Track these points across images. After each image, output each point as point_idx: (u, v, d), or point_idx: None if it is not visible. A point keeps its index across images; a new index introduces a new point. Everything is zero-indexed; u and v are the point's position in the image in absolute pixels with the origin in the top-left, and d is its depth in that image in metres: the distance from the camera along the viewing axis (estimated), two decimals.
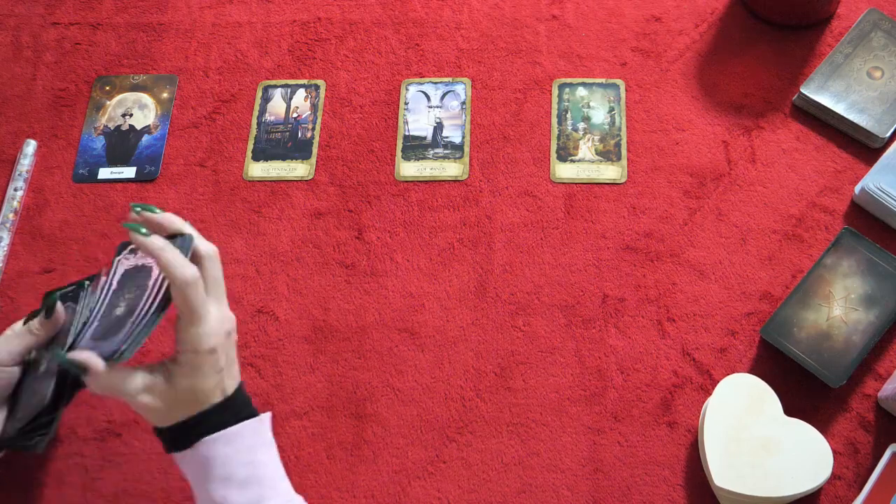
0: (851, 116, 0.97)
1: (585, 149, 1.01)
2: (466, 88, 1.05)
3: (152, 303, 0.69)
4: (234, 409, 0.72)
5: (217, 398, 0.71)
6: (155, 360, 0.93)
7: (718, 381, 0.86)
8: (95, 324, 0.71)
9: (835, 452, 0.84)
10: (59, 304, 0.74)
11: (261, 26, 1.11)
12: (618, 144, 1.01)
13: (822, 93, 0.99)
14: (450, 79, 1.06)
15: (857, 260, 0.89)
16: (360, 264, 0.96)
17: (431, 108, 1.05)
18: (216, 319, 0.70)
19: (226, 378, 0.71)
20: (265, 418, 0.73)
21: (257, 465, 0.71)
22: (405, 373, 0.91)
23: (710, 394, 0.88)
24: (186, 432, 0.70)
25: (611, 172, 0.99)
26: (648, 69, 1.05)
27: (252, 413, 0.73)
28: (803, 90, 0.99)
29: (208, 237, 0.99)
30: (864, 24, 1.03)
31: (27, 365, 0.77)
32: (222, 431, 0.69)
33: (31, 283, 0.97)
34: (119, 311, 0.70)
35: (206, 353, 0.69)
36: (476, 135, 1.03)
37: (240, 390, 0.73)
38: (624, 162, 1.00)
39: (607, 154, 1.00)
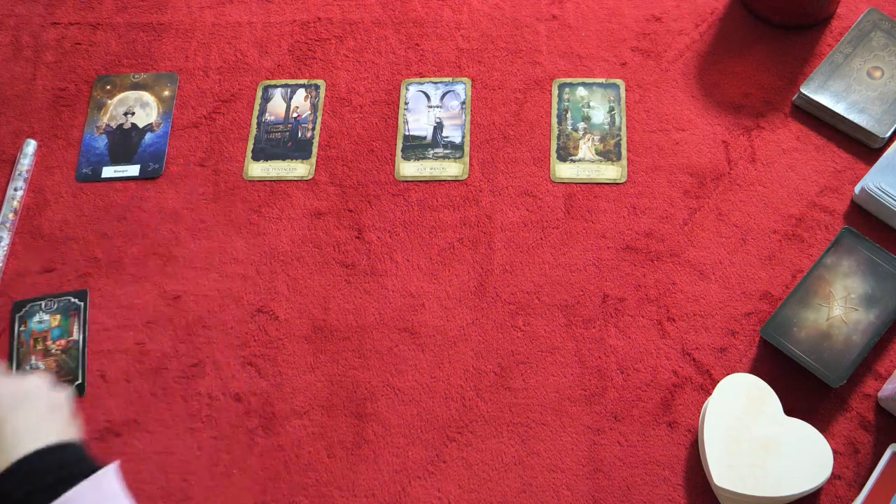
0: (851, 116, 0.97)
1: (585, 149, 1.01)
2: (466, 88, 1.05)
3: None
4: (60, 460, 0.67)
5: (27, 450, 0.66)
6: (155, 358, 0.93)
7: (718, 381, 0.86)
8: None
9: (835, 452, 0.84)
10: None
11: (261, 26, 1.11)
12: (618, 144, 1.01)
13: (822, 93, 0.99)
14: (450, 79, 1.06)
15: (857, 260, 0.89)
16: (360, 264, 0.96)
17: (431, 108, 1.05)
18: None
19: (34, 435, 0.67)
20: (105, 472, 0.67)
21: None
22: (405, 372, 0.91)
23: (710, 394, 0.88)
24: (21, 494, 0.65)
25: (611, 172, 0.99)
26: (648, 69, 1.05)
27: (87, 472, 0.66)
28: (803, 90, 0.99)
29: (208, 237, 0.99)
30: (863, 24, 1.03)
31: None
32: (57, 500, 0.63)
33: (31, 283, 0.97)
34: None
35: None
36: (476, 135, 1.03)
37: (68, 447, 0.68)
38: (624, 162, 1.00)
39: (607, 154, 1.00)
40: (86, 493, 0.65)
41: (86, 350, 0.91)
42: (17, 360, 0.91)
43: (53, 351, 0.91)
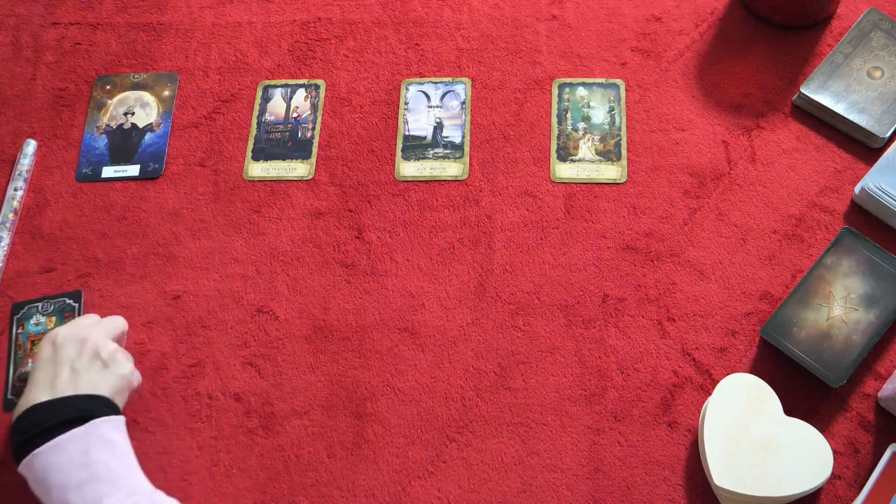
0: (851, 116, 0.97)
1: (585, 149, 1.01)
2: (466, 88, 1.05)
3: None
4: (62, 411, 0.76)
5: (43, 395, 0.77)
6: (155, 358, 0.93)
7: (718, 381, 0.86)
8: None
9: (835, 452, 0.84)
10: None
11: (261, 26, 1.11)
12: (618, 144, 1.01)
13: (822, 93, 0.99)
14: (450, 79, 1.06)
15: (857, 260, 0.89)
16: (360, 264, 0.96)
17: (431, 107, 1.05)
18: (70, 324, 0.83)
19: (60, 379, 0.78)
20: (97, 422, 0.76)
21: (93, 466, 0.74)
22: (405, 372, 0.91)
23: (710, 394, 0.88)
24: (24, 432, 0.75)
25: (611, 172, 0.99)
26: (648, 69, 1.05)
27: (88, 418, 0.76)
28: (803, 90, 0.99)
29: (208, 237, 0.99)
30: (863, 24, 1.03)
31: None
32: (51, 442, 0.74)
33: (31, 283, 0.97)
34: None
35: (43, 341, 0.81)
36: (476, 135, 1.03)
37: (85, 398, 0.78)
38: (624, 162, 1.00)
39: (607, 154, 1.00)
40: (77, 437, 0.75)
41: None
42: (15, 363, 0.91)
43: None
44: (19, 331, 0.93)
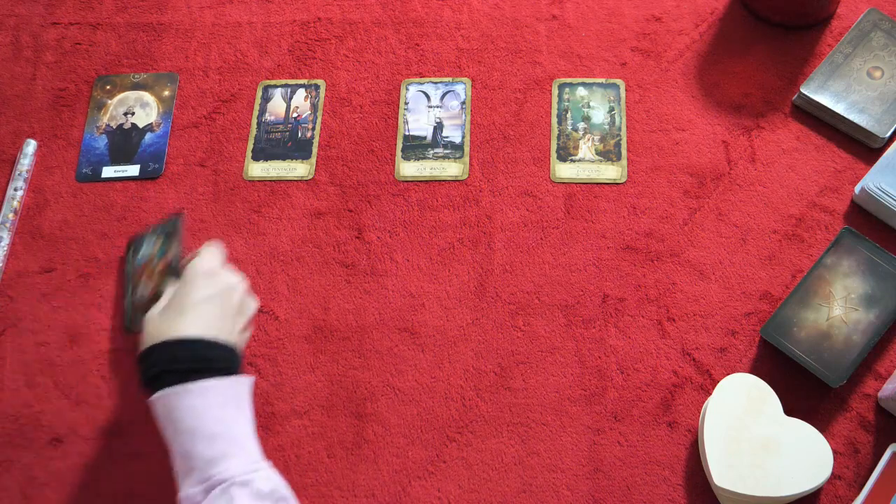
0: (851, 116, 0.97)
1: (585, 149, 1.01)
2: (466, 88, 1.05)
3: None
4: (217, 356, 0.75)
5: (197, 329, 0.75)
6: None
7: (718, 381, 0.86)
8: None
9: (835, 452, 0.84)
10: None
11: (261, 26, 1.11)
12: (618, 144, 1.01)
13: (822, 93, 0.99)
14: (450, 79, 1.06)
15: (857, 260, 0.89)
16: (360, 264, 0.96)
17: (431, 107, 1.05)
18: (225, 266, 0.82)
19: (215, 320, 0.77)
20: (244, 381, 0.76)
21: (227, 422, 0.73)
22: (405, 372, 0.91)
23: (710, 394, 0.88)
24: (166, 364, 0.73)
25: (611, 172, 0.99)
26: (648, 69, 1.05)
27: (230, 373, 0.75)
28: (803, 90, 0.99)
29: (208, 237, 1.00)
30: (863, 24, 1.03)
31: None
32: (198, 384, 0.72)
33: (31, 283, 0.97)
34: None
35: (198, 272, 0.79)
36: (476, 135, 1.03)
37: (232, 350, 0.77)
38: (624, 162, 1.00)
39: (607, 154, 1.00)
40: (223, 389, 0.73)
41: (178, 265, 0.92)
42: (132, 287, 0.93)
43: (156, 272, 0.93)
44: (134, 258, 0.95)
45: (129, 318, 0.92)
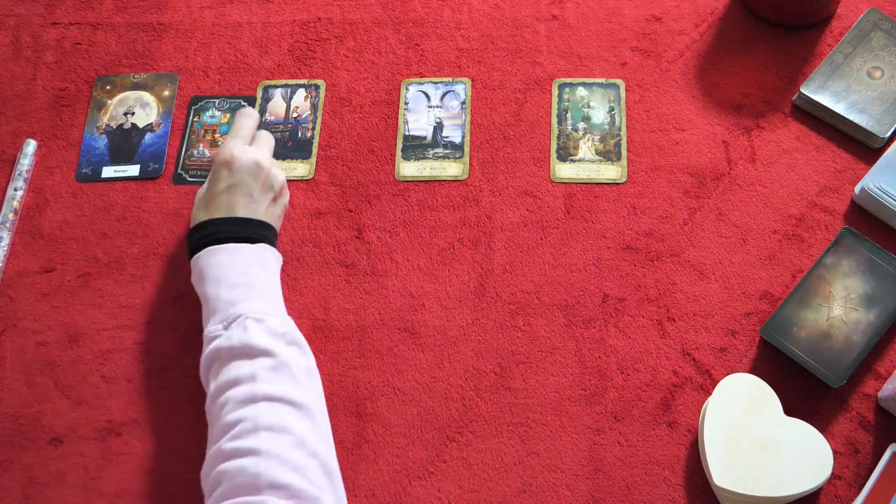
0: (851, 116, 0.97)
1: (585, 149, 1.01)
2: (466, 88, 1.05)
3: None
4: (241, 229, 0.86)
5: (222, 213, 0.86)
6: (156, 358, 0.93)
7: (718, 381, 0.86)
8: None
9: (835, 452, 0.84)
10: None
11: (261, 26, 1.11)
12: (618, 144, 1.01)
13: (822, 93, 0.99)
14: (450, 79, 1.06)
15: (857, 260, 0.89)
16: (360, 264, 0.96)
17: (431, 107, 1.05)
18: (243, 150, 0.89)
19: (240, 204, 0.87)
20: (267, 246, 0.87)
21: (249, 276, 0.84)
22: (405, 372, 0.91)
23: (710, 394, 0.88)
24: (200, 238, 0.86)
25: (611, 172, 0.99)
26: (648, 69, 1.05)
27: (263, 243, 0.87)
28: (803, 90, 0.99)
29: None
30: (863, 24, 1.03)
31: None
32: (225, 245, 0.84)
33: (31, 283, 0.97)
34: None
35: (219, 163, 0.88)
36: (476, 135, 1.03)
37: (258, 224, 0.87)
38: (624, 162, 1.00)
39: (607, 154, 1.00)
40: (247, 250, 0.85)
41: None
42: (187, 145, 1.02)
43: (219, 143, 1.02)
44: (195, 119, 1.02)
45: (177, 172, 1.01)
